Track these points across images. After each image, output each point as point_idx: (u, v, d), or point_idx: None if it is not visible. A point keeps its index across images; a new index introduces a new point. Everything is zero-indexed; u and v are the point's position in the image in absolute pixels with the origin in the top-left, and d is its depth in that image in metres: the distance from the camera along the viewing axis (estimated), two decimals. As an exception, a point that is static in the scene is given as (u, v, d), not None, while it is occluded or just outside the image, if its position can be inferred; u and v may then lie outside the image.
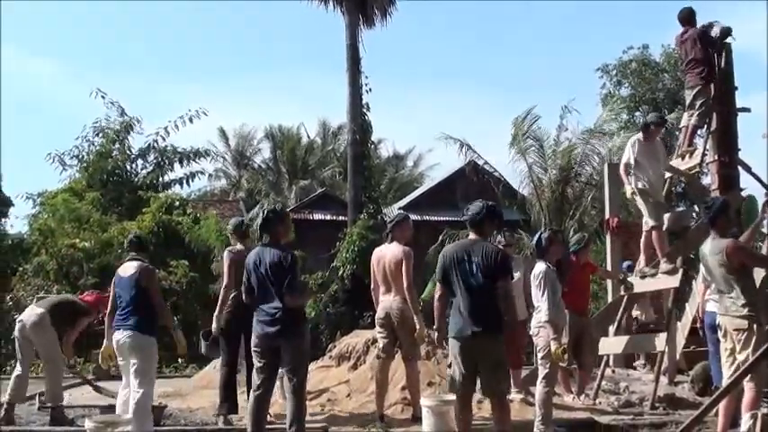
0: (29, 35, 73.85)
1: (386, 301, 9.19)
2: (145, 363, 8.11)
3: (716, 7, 60.15)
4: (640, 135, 11.16)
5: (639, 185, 10.87)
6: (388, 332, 9.19)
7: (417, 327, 8.91)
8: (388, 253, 9.20)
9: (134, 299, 8.16)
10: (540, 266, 8.90)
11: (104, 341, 8.67)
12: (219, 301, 9.36)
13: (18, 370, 9.89)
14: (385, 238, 9.52)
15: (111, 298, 8.56)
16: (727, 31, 11.78)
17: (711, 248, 7.69)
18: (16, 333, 9.97)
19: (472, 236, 7.44)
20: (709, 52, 11.75)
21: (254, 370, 7.68)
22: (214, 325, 9.34)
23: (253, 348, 7.60)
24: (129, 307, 8.17)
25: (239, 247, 9.52)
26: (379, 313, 9.27)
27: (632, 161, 10.91)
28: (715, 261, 7.62)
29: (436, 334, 7.98)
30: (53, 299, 10.85)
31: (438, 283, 7.60)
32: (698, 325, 11.13)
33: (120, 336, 8.18)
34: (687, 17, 11.93)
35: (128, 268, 8.35)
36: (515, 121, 24.94)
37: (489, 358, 7.20)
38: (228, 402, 9.30)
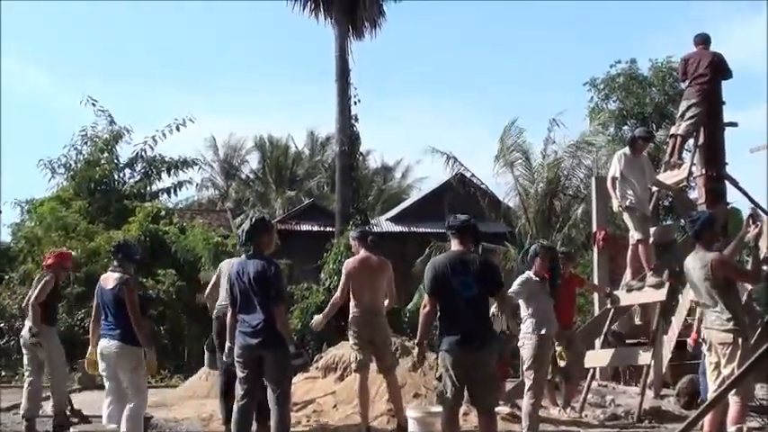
0: (18, 42, 73.66)
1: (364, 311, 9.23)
2: (134, 374, 8.10)
3: (713, 12, 60.72)
4: (627, 149, 11.23)
5: (626, 201, 10.93)
6: (366, 344, 9.21)
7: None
8: (373, 262, 9.25)
9: (118, 311, 8.14)
10: (522, 276, 8.92)
11: (89, 348, 8.67)
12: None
13: (27, 382, 9.90)
14: (367, 246, 9.49)
15: (94, 306, 8.55)
16: None
17: (696, 262, 7.71)
18: (22, 345, 10.08)
19: (456, 247, 7.36)
20: (717, 78, 11.92)
21: (237, 381, 7.65)
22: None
23: (235, 359, 7.56)
24: (115, 318, 8.15)
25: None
26: (356, 326, 9.30)
27: (618, 175, 10.97)
28: (700, 275, 7.63)
29: (417, 349, 7.75)
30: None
31: (428, 296, 7.35)
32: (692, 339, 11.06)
33: (107, 344, 8.16)
34: (704, 41, 12.10)
35: (109, 280, 8.32)
36: (502, 135, 25.09)
37: (484, 371, 7.18)
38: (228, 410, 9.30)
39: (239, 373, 7.59)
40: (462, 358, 7.11)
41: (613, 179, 11.07)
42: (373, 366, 9.39)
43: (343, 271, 9.48)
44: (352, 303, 9.33)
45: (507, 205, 25.82)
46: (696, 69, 11.98)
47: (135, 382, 8.10)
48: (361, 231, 10.09)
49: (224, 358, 7.99)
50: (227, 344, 7.71)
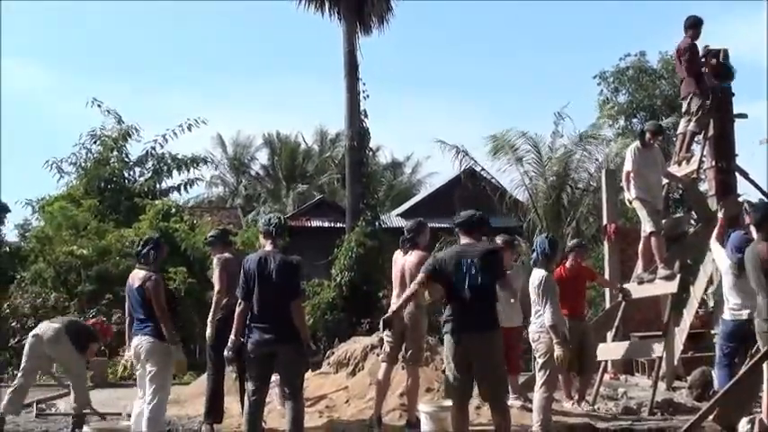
0: (21, 41, 73.90)
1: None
2: (160, 370, 8.08)
3: (715, 14, 60.42)
4: (638, 143, 11.18)
5: (638, 193, 10.90)
6: (397, 337, 9.18)
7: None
8: (408, 259, 9.22)
9: (146, 308, 8.14)
10: (539, 273, 8.81)
11: (126, 351, 8.76)
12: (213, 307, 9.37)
13: (18, 382, 9.74)
14: (403, 245, 9.43)
15: (126, 306, 8.53)
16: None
17: (752, 251, 7.71)
18: (28, 346, 9.81)
19: (465, 239, 7.47)
20: (697, 65, 11.81)
21: (249, 376, 7.64)
22: (209, 331, 9.28)
23: (248, 354, 7.54)
24: (145, 315, 8.15)
25: (227, 255, 9.60)
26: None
27: (632, 168, 10.93)
28: (754, 263, 7.64)
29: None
30: (69, 317, 10.92)
31: (422, 273, 7.49)
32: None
33: (138, 342, 8.16)
34: (689, 26, 11.93)
35: (135, 278, 8.31)
36: (494, 137, 25.07)
37: (488, 357, 7.23)
38: (214, 412, 9.31)
39: (251, 370, 7.59)
40: (462, 342, 7.17)
41: (627, 173, 11.05)
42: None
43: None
44: (394, 294, 9.34)
45: (517, 199, 25.73)
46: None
47: (159, 377, 8.07)
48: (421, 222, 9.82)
49: (226, 353, 7.80)
50: (232, 337, 7.65)
